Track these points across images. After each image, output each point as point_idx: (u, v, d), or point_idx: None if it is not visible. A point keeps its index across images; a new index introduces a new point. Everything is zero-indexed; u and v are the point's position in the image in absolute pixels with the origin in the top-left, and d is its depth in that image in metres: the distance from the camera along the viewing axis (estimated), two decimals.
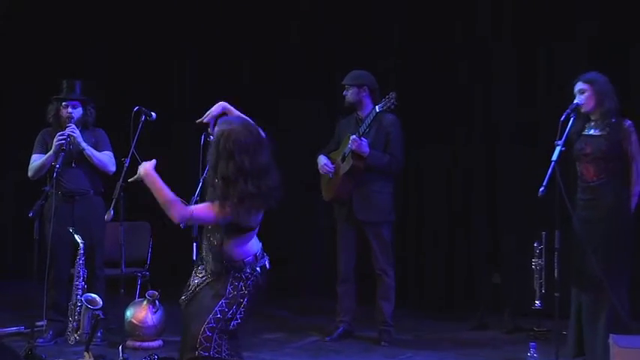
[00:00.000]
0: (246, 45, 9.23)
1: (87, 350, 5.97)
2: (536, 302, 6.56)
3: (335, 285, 7.04)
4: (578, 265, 5.80)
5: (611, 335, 5.24)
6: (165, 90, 9.31)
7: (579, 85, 5.79)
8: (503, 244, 8.04)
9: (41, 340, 6.58)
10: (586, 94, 5.76)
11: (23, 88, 9.49)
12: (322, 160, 6.96)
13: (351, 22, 8.72)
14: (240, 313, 4.26)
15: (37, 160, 6.80)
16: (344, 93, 6.90)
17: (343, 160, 6.83)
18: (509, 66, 8.06)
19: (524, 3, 8.01)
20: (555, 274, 5.81)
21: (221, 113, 4.58)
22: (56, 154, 6.64)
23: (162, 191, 4.19)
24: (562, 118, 5.72)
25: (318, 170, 6.99)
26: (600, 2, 7.65)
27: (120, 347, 6.00)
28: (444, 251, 8.38)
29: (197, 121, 4.53)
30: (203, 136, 5.30)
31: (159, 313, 6.65)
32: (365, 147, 6.66)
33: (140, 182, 4.33)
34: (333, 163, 6.90)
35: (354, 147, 6.66)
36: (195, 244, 5.98)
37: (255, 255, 4.33)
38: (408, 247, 8.42)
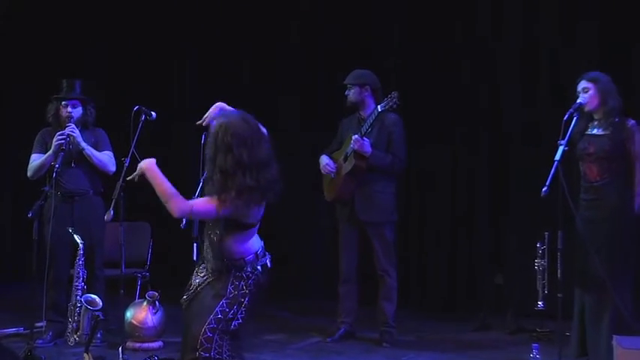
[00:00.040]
0: (246, 45, 9.22)
1: (87, 351, 5.93)
2: (539, 303, 6.52)
3: (336, 285, 7.02)
4: (582, 266, 5.79)
5: (614, 336, 5.23)
6: (165, 90, 9.30)
7: (583, 84, 5.77)
8: (505, 245, 8.03)
9: (40, 341, 6.56)
10: (590, 92, 5.74)
11: (23, 88, 9.47)
12: (324, 160, 6.94)
13: (351, 22, 8.72)
14: (242, 313, 4.24)
15: (36, 159, 6.78)
16: (346, 93, 6.87)
17: (345, 160, 6.80)
18: (512, 66, 8.04)
19: (525, 3, 8.00)
20: (558, 275, 5.76)
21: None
22: (56, 153, 6.61)
23: (163, 185, 4.18)
24: (565, 118, 5.71)
25: (319, 170, 6.97)
26: (601, 2, 7.64)
27: (120, 348, 5.98)
28: (446, 251, 8.36)
29: (197, 123, 4.51)
30: (203, 136, 5.28)
31: (159, 314, 6.63)
32: (367, 147, 6.63)
33: (141, 177, 4.30)
34: (335, 163, 6.88)
35: (356, 147, 6.64)
36: (195, 244, 6.00)
37: (256, 253, 4.30)
38: (410, 247, 8.40)
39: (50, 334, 6.69)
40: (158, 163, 4.32)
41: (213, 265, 4.28)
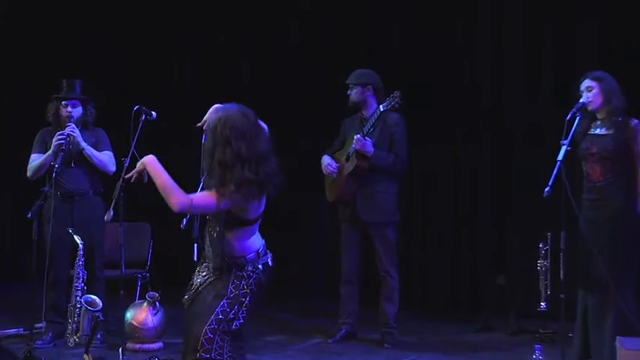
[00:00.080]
0: (246, 45, 9.24)
1: (86, 352, 5.90)
2: (542, 304, 6.56)
3: (338, 286, 7.01)
4: (585, 267, 5.75)
5: (617, 337, 5.22)
6: (165, 90, 9.28)
7: (586, 83, 5.74)
8: (508, 245, 8.01)
9: (40, 342, 6.55)
10: (593, 91, 5.71)
11: (23, 88, 9.47)
12: (326, 160, 6.92)
13: (351, 22, 8.73)
14: (243, 313, 4.21)
15: (36, 159, 6.76)
16: (348, 92, 6.86)
17: (347, 160, 6.78)
18: (515, 65, 8.04)
19: (525, 3, 8.00)
20: (561, 276, 5.72)
21: None
22: (55, 153, 6.60)
23: (164, 179, 4.16)
24: (568, 118, 5.66)
25: (321, 170, 6.95)
26: (602, 2, 7.64)
27: (120, 349, 5.97)
28: (448, 252, 8.35)
29: (197, 126, 4.49)
30: (204, 137, 5.25)
31: (159, 314, 6.61)
32: (369, 147, 6.61)
33: (137, 177, 4.27)
34: (337, 163, 6.85)
35: (358, 147, 6.62)
36: (196, 245, 5.93)
37: (258, 252, 4.28)
38: (412, 247, 8.39)
39: (50, 335, 6.67)
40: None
41: (214, 264, 4.26)
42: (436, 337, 7.25)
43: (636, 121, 5.73)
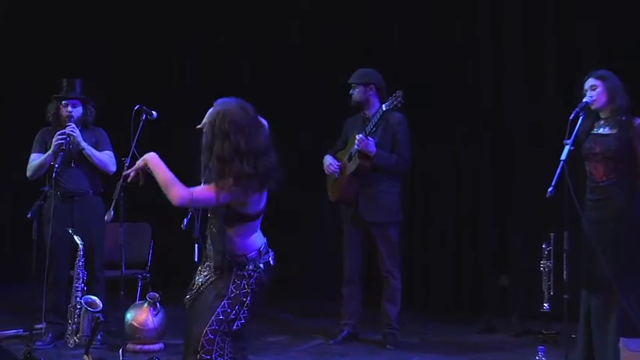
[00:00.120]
0: (246, 45, 9.25)
1: (86, 353, 5.88)
2: (545, 305, 6.55)
3: (340, 287, 6.98)
4: (588, 267, 5.72)
5: (621, 339, 5.18)
6: (165, 90, 9.28)
7: (590, 81, 5.71)
8: (511, 246, 8.00)
9: (40, 343, 6.53)
10: (598, 90, 5.68)
11: (23, 87, 9.48)
12: (328, 159, 6.90)
13: (351, 22, 8.74)
14: (244, 313, 4.18)
15: (35, 159, 6.74)
16: (350, 92, 6.84)
17: (349, 159, 6.76)
18: (515, 65, 8.03)
19: (525, 2, 8.00)
20: (564, 276, 5.71)
21: None
22: (55, 153, 6.58)
23: (165, 173, 4.15)
24: (571, 117, 5.64)
25: (323, 170, 6.93)
26: (603, 2, 7.63)
27: (120, 350, 5.95)
28: (450, 253, 8.34)
29: (197, 127, 4.47)
30: (204, 137, 5.23)
31: (160, 315, 6.58)
32: (371, 146, 6.59)
33: (135, 176, 4.25)
34: (339, 163, 6.83)
35: (360, 146, 6.59)
36: (196, 245, 5.92)
37: (259, 250, 4.25)
38: (415, 248, 8.38)
39: (50, 335, 6.65)
40: None
41: (215, 263, 4.24)
42: (438, 338, 7.23)
43: None
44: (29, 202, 6.23)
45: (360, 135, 6.61)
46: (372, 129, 6.66)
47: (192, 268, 4.53)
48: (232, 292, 4.16)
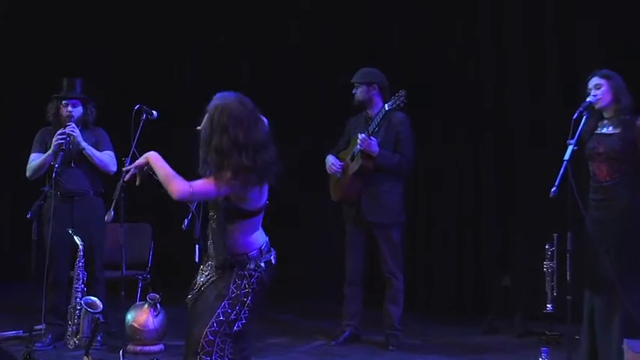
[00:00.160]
0: (246, 45, 9.27)
1: (87, 355, 5.87)
2: (548, 306, 6.50)
3: (341, 287, 6.96)
4: (591, 268, 5.68)
5: (625, 340, 5.15)
6: (165, 90, 9.27)
7: (595, 80, 5.68)
8: (514, 246, 7.99)
9: (40, 345, 6.51)
10: (602, 88, 5.65)
11: (23, 87, 9.48)
12: (330, 159, 6.89)
13: (351, 22, 8.76)
14: (245, 313, 4.16)
15: (35, 159, 6.73)
16: (353, 91, 6.83)
17: (352, 159, 6.75)
18: (518, 65, 8.03)
19: (526, 2, 8.01)
20: (567, 277, 5.67)
21: None
22: (55, 153, 6.57)
23: (165, 168, 4.15)
24: (574, 117, 5.61)
25: (325, 170, 6.91)
26: (604, 1, 7.63)
27: (120, 352, 5.94)
28: (453, 253, 8.33)
29: (197, 129, 4.45)
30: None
31: (160, 316, 6.57)
32: (374, 146, 6.58)
33: (140, 170, 4.23)
34: (341, 163, 6.82)
35: (363, 146, 6.58)
36: (197, 245, 5.91)
37: (260, 249, 4.22)
38: (417, 248, 8.37)
39: (49, 337, 6.63)
40: None
41: (216, 262, 4.22)
42: (441, 339, 7.22)
43: None
44: (29, 203, 6.19)
45: (363, 135, 6.60)
46: (374, 129, 6.65)
47: (193, 269, 4.51)
48: (233, 292, 4.14)
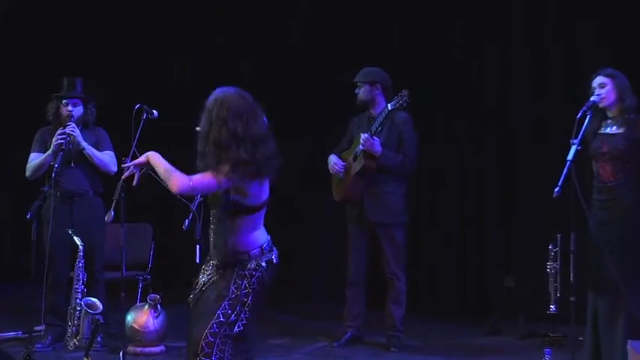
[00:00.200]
0: (246, 45, 9.26)
1: (86, 356, 5.88)
2: (551, 307, 6.51)
3: (343, 288, 6.94)
4: (595, 269, 5.65)
5: (629, 341, 5.11)
6: (165, 90, 9.25)
7: (599, 79, 5.66)
8: (517, 247, 7.96)
9: (39, 346, 6.48)
10: (607, 87, 5.63)
11: (23, 87, 9.48)
12: (332, 159, 6.86)
13: (351, 22, 8.76)
14: (245, 314, 4.13)
15: (35, 159, 6.70)
16: (356, 91, 6.80)
17: (355, 159, 6.72)
18: (522, 64, 8.01)
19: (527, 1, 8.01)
20: (571, 278, 5.67)
21: None
22: (55, 153, 6.54)
23: (165, 165, 4.14)
24: (578, 116, 5.58)
25: (327, 169, 6.88)
26: (609, 1, 7.61)
27: (121, 353, 5.89)
28: (455, 254, 8.32)
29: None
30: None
31: (161, 317, 6.54)
32: (377, 146, 6.55)
33: (140, 168, 4.23)
34: (344, 163, 6.79)
35: (366, 146, 6.55)
36: (198, 246, 5.86)
37: (262, 247, 4.20)
38: (419, 249, 8.35)
39: (49, 338, 6.60)
40: None
41: (217, 259, 4.21)
42: (443, 340, 7.19)
43: None
44: (28, 203, 6.14)
45: (366, 135, 6.57)
46: (377, 128, 6.62)
47: (194, 270, 4.51)
48: (233, 292, 4.11)
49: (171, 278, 7.95)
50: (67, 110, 6.67)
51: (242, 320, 4.12)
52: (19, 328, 6.87)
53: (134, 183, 4.25)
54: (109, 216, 5.81)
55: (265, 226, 4.25)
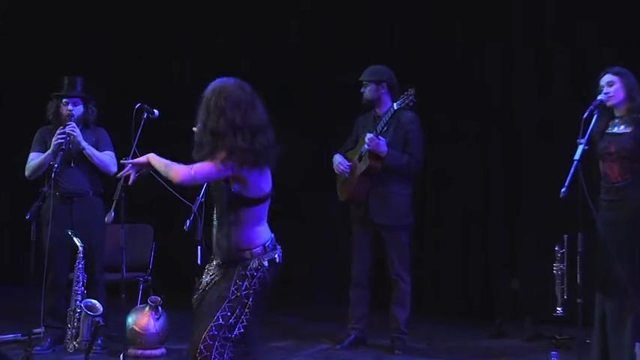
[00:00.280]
0: (246, 45, 9.25)
1: (86, 358, 5.87)
2: (558, 309, 6.47)
3: (347, 290, 6.90)
4: (602, 270, 5.59)
5: (637, 344, 5.12)
6: (165, 90, 9.23)
7: (607, 78, 5.61)
8: (522, 248, 7.93)
9: (39, 348, 6.45)
10: (615, 86, 5.57)
11: (23, 87, 9.49)
12: (337, 159, 6.82)
13: (351, 22, 8.78)
14: (246, 315, 4.10)
15: (34, 158, 6.68)
16: (361, 90, 6.76)
17: (360, 159, 6.68)
18: (526, 63, 7.98)
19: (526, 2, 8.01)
20: (578, 280, 5.59)
21: None
22: (55, 153, 6.52)
23: (164, 161, 4.14)
24: (585, 115, 5.53)
25: (333, 169, 6.84)
26: (613, 1, 7.59)
27: (121, 356, 5.89)
28: (460, 255, 8.30)
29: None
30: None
31: (162, 319, 6.51)
32: (383, 146, 6.51)
33: (138, 167, 4.23)
34: (349, 163, 6.75)
35: (371, 146, 6.51)
36: (199, 247, 5.83)
37: (264, 246, 4.16)
38: (424, 249, 8.32)
39: (49, 340, 6.57)
40: None
41: (219, 256, 4.18)
42: (448, 343, 7.17)
43: None
44: (28, 203, 6.11)
45: (371, 135, 6.53)
46: (383, 128, 6.58)
47: (195, 271, 4.53)
48: (233, 293, 4.09)
49: (172, 280, 7.95)
50: (67, 109, 6.64)
51: (242, 322, 4.10)
52: (18, 330, 6.83)
53: (129, 182, 4.25)
54: (109, 216, 5.82)
55: (269, 225, 4.22)
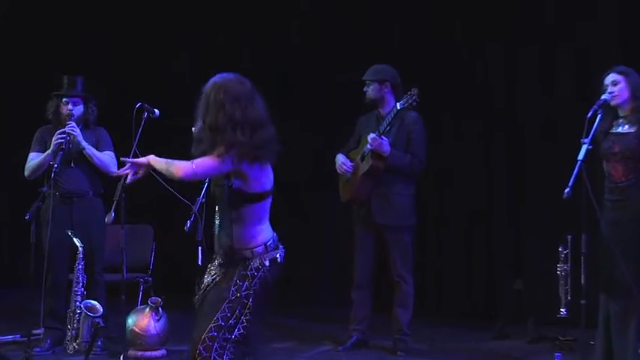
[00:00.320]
0: (246, 45, 9.26)
1: None
2: (562, 310, 6.41)
3: (349, 291, 6.87)
4: (607, 271, 5.57)
5: None
6: (164, 90, 9.22)
7: (612, 77, 5.59)
8: (526, 249, 7.91)
9: (38, 350, 6.44)
10: (620, 85, 5.55)
11: (22, 87, 9.49)
12: (340, 159, 6.80)
13: (351, 22, 8.78)
14: (246, 316, 4.08)
15: (34, 158, 6.66)
16: (364, 89, 6.74)
17: (362, 159, 6.65)
18: (529, 63, 7.96)
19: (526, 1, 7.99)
20: (582, 280, 5.59)
21: None
22: (55, 152, 6.50)
23: (164, 160, 4.13)
24: (589, 115, 5.52)
25: (335, 169, 6.81)
26: (617, 0, 7.59)
27: (121, 357, 5.91)
28: (463, 256, 8.28)
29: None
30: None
31: (162, 320, 6.49)
32: (385, 146, 6.48)
33: (138, 167, 4.20)
34: (351, 163, 6.73)
35: (374, 146, 6.48)
36: (200, 248, 5.82)
37: (266, 245, 4.15)
38: (426, 251, 8.30)
39: (48, 341, 6.56)
40: None
41: (221, 255, 4.18)
42: (450, 344, 7.15)
43: None
44: (27, 203, 6.12)
45: (374, 134, 6.50)
46: (386, 128, 6.55)
47: (196, 272, 4.54)
48: (233, 294, 4.08)
49: (172, 280, 7.97)
50: (67, 109, 6.63)
51: (242, 323, 4.08)
52: (17, 331, 6.84)
53: (127, 180, 4.24)
54: (110, 217, 5.85)
55: (270, 224, 4.21)
